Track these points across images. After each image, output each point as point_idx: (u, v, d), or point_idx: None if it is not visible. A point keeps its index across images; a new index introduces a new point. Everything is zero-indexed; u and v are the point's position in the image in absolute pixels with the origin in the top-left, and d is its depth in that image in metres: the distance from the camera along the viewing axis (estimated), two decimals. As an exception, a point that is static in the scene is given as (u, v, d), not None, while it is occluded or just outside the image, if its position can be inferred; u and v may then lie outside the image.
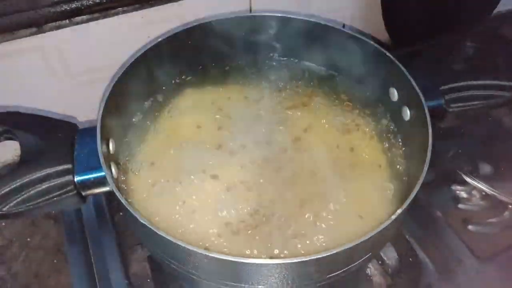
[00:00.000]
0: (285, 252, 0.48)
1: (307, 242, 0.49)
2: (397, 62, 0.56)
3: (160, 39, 0.59)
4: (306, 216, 0.52)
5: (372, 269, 0.63)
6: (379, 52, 0.59)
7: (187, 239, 0.49)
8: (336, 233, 0.50)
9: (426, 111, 0.51)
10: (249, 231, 0.51)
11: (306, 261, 0.38)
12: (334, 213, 0.52)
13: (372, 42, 0.60)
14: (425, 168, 0.46)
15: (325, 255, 0.38)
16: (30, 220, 0.73)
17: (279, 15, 0.65)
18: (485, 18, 0.71)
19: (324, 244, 0.49)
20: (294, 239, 0.49)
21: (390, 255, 0.61)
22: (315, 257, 0.38)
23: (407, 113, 0.57)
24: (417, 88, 0.53)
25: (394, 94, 0.60)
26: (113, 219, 0.66)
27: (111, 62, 0.73)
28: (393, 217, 0.42)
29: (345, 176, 0.56)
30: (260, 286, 0.44)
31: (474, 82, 0.55)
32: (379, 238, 0.45)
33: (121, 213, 0.68)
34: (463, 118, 0.59)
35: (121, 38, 0.71)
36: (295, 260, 0.38)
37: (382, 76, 0.61)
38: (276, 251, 0.49)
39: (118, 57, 0.71)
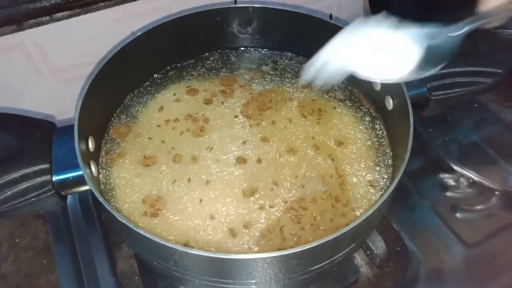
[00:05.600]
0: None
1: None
2: (379, 51, 0.55)
3: (139, 34, 0.58)
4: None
5: (359, 260, 0.63)
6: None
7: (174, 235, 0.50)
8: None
9: (408, 100, 0.50)
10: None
11: (284, 255, 0.38)
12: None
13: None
14: (407, 157, 0.45)
15: (302, 248, 0.38)
16: (19, 221, 0.73)
17: (264, 6, 0.64)
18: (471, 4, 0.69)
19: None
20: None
21: (377, 244, 0.61)
22: (293, 251, 0.38)
23: (390, 103, 0.57)
24: (398, 77, 0.52)
25: (377, 84, 0.59)
26: (99, 217, 0.66)
27: (95, 58, 0.72)
28: (375, 207, 0.42)
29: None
30: (243, 281, 0.44)
31: (456, 69, 0.55)
32: (360, 229, 0.44)
33: (107, 211, 0.68)
34: (450, 106, 0.59)
35: (103, 33, 0.70)
36: (273, 255, 0.38)
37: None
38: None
39: (102, 53, 0.70)
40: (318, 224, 0.50)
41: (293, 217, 0.51)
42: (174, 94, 0.64)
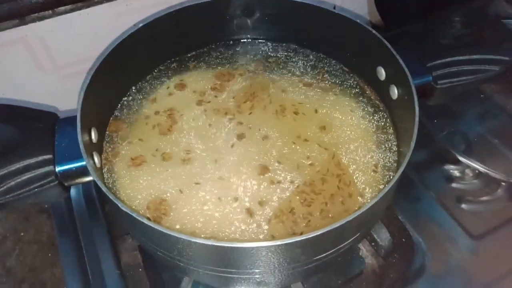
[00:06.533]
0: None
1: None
2: (383, 40, 0.55)
3: (140, 25, 0.58)
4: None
5: (364, 251, 0.63)
6: (365, 31, 0.58)
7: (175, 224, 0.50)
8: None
9: (413, 88, 0.50)
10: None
11: (288, 243, 0.37)
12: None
13: (358, 21, 0.59)
14: (412, 144, 0.45)
15: (307, 237, 0.37)
16: (23, 215, 0.73)
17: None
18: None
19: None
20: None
21: (382, 236, 0.61)
22: (297, 239, 0.37)
23: (395, 92, 0.56)
24: (403, 65, 0.52)
25: (382, 73, 0.59)
26: (103, 209, 0.66)
27: (97, 52, 0.72)
28: (380, 195, 0.42)
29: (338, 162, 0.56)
30: (247, 270, 0.44)
31: (462, 57, 0.54)
32: (366, 219, 0.44)
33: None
34: (455, 96, 0.58)
35: (106, 27, 0.70)
36: (277, 243, 0.37)
37: (369, 55, 0.59)
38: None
39: (104, 47, 0.70)
40: (328, 209, 0.51)
41: (303, 200, 0.51)
42: (168, 88, 0.64)
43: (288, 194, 0.52)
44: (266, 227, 0.49)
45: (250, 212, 0.50)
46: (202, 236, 0.48)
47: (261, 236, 0.49)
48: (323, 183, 0.53)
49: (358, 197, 0.52)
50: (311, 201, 0.51)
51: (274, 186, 0.53)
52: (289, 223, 0.50)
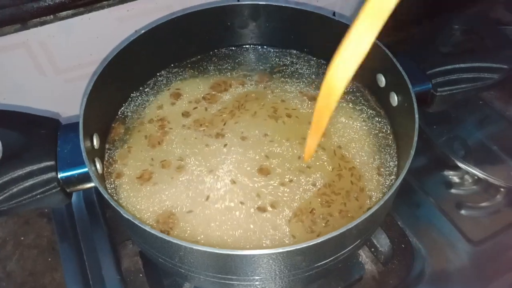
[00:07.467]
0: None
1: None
2: (383, 47, 0.55)
3: (143, 31, 0.58)
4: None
5: (363, 257, 0.63)
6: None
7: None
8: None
9: (413, 96, 0.50)
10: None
11: (289, 251, 0.38)
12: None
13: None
14: (412, 153, 0.45)
15: (307, 244, 0.37)
16: (23, 219, 0.73)
17: (267, 3, 0.64)
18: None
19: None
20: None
21: (382, 242, 0.61)
22: (298, 247, 0.37)
23: (395, 99, 0.56)
24: (403, 73, 0.52)
25: (382, 80, 0.59)
26: (104, 214, 0.66)
27: (99, 57, 0.72)
28: (380, 203, 0.42)
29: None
30: (248, 277, 0.44)
31: (462, 65, 0.55)
32: (366, 226, 0.44)
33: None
34: (454, 103, 0.59)
35: (107, 32, 0.70)
36: (278, 250, 0.38)
37: (369, 62, 0.60)
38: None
39: (106, 52, 0.70)
40: (347, 209, 0.51)
41: (324, 202, 0.52)
42: (182, 90, 0.64)
43: (309, 195, 0.52)
44: (286, 228, 0.49)
45: (263, 209, 0.51)
46: (228, 240, 0.48)
47: (285, 240, 0.49)
48: (340, 179, 0.54)
49: (367, 197, 0.53)
50: (331, 202, 0.52)
51: (286, 188, 0.53)
52: (308, 222, 0.50)
